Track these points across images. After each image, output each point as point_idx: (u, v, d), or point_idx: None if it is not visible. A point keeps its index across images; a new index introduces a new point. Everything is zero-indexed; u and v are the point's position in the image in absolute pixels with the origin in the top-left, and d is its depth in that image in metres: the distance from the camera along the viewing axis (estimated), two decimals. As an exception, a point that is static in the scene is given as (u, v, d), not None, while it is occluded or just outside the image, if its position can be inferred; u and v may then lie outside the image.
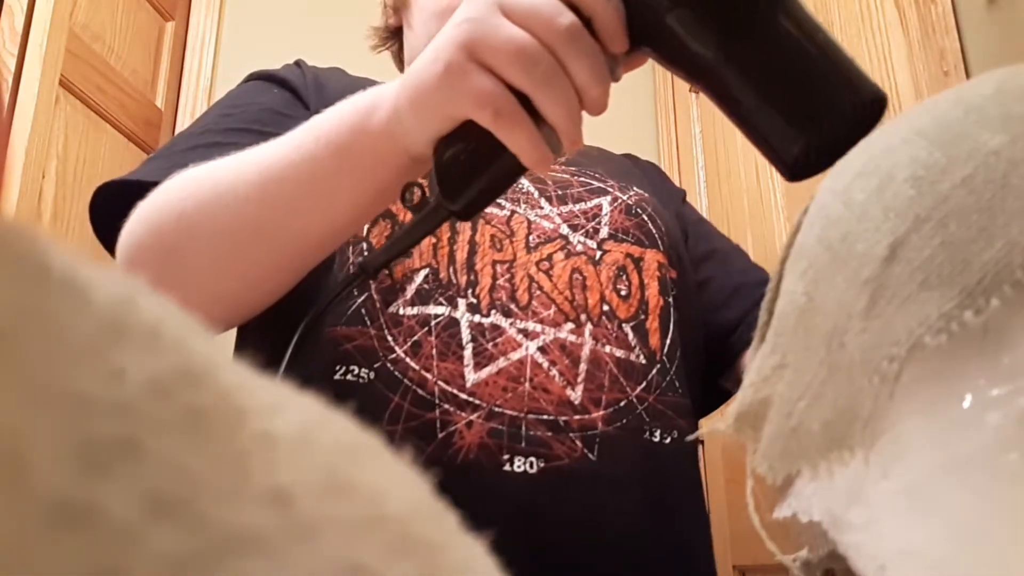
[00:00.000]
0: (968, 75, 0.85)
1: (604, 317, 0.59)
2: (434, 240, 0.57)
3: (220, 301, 0.52)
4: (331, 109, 0.48)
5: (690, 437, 0.58)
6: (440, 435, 0.51)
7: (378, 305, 0.54)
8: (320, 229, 0.49)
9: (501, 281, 0.57)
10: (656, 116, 1.89)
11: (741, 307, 0.68)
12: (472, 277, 0.56)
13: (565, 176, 0.67)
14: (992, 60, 0.78)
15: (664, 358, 0.61)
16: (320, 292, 0.55)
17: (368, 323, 0.53)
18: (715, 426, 0.38)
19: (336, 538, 0.12)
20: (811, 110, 0.37)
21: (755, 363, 0.37)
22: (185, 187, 0.51)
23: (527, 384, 0.54)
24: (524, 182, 0.64)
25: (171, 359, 0.12)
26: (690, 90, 1.74)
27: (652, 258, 0.64)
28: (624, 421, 0.56)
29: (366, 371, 0.52)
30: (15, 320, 0.10)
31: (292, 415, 0.14)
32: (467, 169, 0.43)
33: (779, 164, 0.40)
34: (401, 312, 0.54)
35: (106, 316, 0.11)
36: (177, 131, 1.69)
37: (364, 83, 0.70)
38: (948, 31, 0.87)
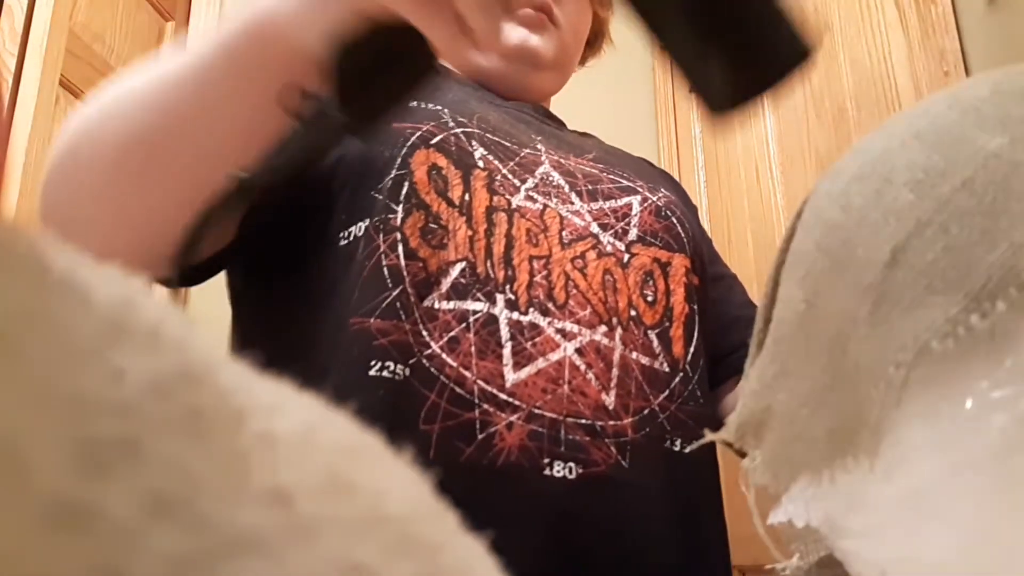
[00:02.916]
0: (968, 75, 0.85)
1: (632, 322, 0.58)
2: (470, 232, 0.55)
3: (122, 223, 0.51)
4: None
5: (692, 446, 0.56)
6: (480, 436, 0.49)
7: (412, 299, 0.52)
8: (208, 140, 0.47)
9: (538, 278, 0.56)
10: (656, 116, 1.89)
11: (738, 337, 0.67)
12: (510, 272, 0.55)
13: (594, 172, 0.66)
14: (992, 60, 0.78)
15: (687, 367, 0.60)
16: (337, 286, 0.54)
17: (403, 317, 0.51)
18: (716, 435, 0.38)
19: (336, 538, 0.12)
20: (741, 44, 0.35)
21: (755, 371, 0.37)
22: (97, 99, 0.51)
23: (566, 386, 0.53)
24: (554, 175, 0.63)
25: (171, 359, 0.12)
26: (690, 90, 1.74)
27: (679, 263, 0.63)
28: (648, 429, 0.55)
29: (401, 367, 0.50)
30: (15, 320, 0.10)
31: (292, 415, 0.14)
32: (366, 68, 0.39)
33: (702, 96, 0.37)
34: (437, 306, 0.52)
35: (106, 316, 0.11)
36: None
37: None
38: (948, 31, 0.87)
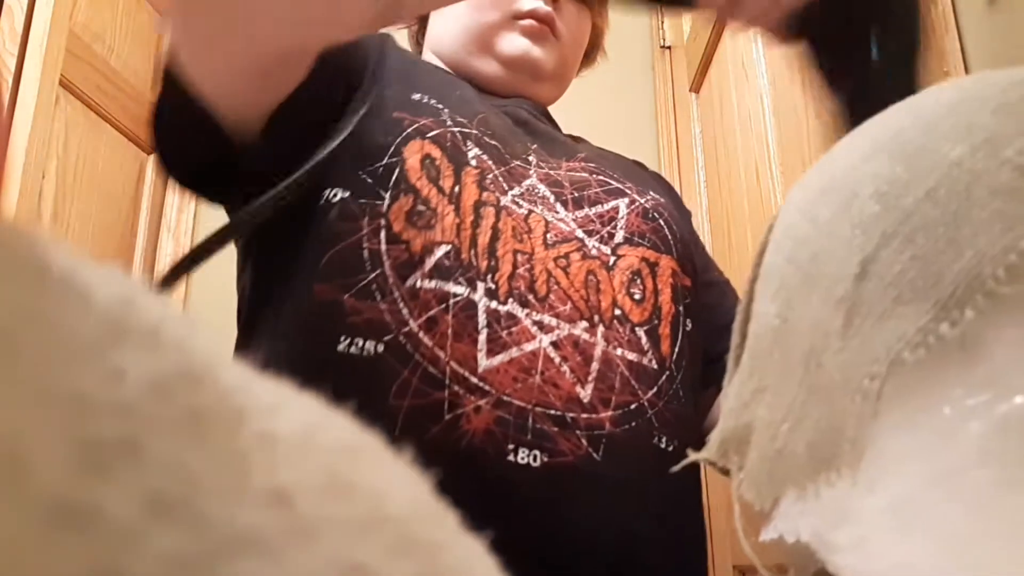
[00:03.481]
0: (968, 75, 0.85)
1: (616, 320, 0.58)
2: (457, 220, 0.56)
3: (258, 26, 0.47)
4: None
5: (681, 463, 0.57)
6: (447, 417, 0.50)
7: (391, 280, 0.53)
8: None
9: (521, 270, 0.56)
10: (656, 116, 1.89)
11: (727, 344, 0.68)
12: (492, 262, 0.56)
13: (583, 175, 0.67)
14: (992, 60, 0.78)
15: (672, 366, 0.60)
16: (302, 248, 0.55)
17: (379, 298, 0.52)
18: (699, 455, 0.37)
19: (336, 538, 0.12)
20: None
21: (733, 388, 0.37)
22: None
23: (537, 377, 0.53)
24: (540, 187, 0.63)
25: (171, 359, 0.12)
26: (690, 90, 1.74)
27: (667, 264, 0.64)
28: (633, 424, 0.55)
29: (373, 343, 0.51)
30: (15, 320, 0.10)
31: (293, 415, 0.14)
32: None
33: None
34: (419, 285, 0.53)
35: (106, 316, 0.11)
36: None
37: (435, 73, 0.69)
38: (948, 31, 0.87)
